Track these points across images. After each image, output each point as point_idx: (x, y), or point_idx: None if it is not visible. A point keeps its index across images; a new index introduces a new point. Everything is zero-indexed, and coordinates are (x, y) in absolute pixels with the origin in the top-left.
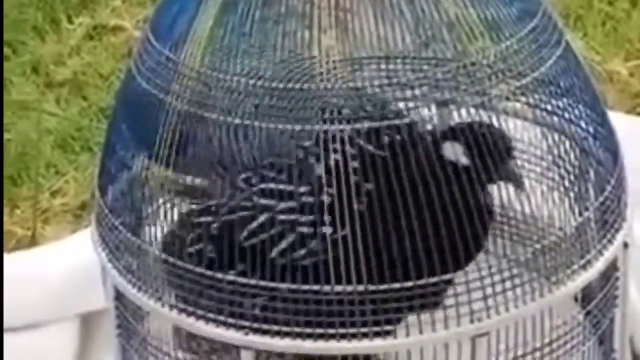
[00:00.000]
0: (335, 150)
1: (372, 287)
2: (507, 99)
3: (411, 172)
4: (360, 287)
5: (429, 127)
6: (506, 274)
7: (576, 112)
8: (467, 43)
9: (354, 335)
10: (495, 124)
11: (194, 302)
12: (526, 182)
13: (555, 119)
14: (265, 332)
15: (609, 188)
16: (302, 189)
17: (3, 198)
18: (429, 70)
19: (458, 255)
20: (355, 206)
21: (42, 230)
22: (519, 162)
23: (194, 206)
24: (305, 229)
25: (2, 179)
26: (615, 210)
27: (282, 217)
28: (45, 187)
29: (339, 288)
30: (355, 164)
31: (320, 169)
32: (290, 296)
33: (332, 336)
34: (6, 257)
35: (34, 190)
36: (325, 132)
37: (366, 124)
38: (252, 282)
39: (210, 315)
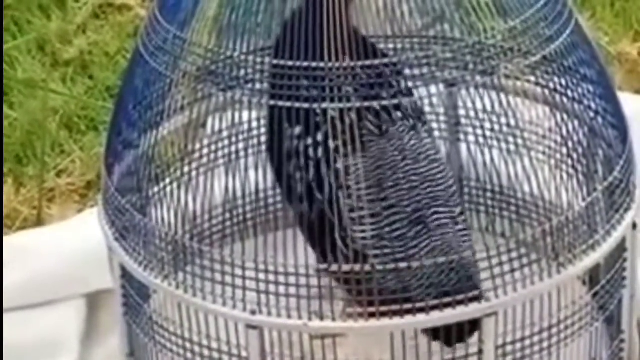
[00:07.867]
0: (343, 129)
1: (379, 267)
2: (516, 78)
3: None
4: (367, 267)
5: None
6: (514, 254)
7: (585, 92)
8: (476, 21)
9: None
10: (504, 103)
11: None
12: (535, 162)
13: (564, 98)
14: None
15: (617, 168)
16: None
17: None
18: (436, 49)
19: None
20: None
21: (48, 210)
22: (528, 144)
23: None
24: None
25: (2, 161)
26: (624, 191)
27: None
28: (51, 166)
29: (346, 267)
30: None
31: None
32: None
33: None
34: (12, 236)
35: (40, 169)
36: (333, 110)
37: (374, 103)
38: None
39: (217, 293)
